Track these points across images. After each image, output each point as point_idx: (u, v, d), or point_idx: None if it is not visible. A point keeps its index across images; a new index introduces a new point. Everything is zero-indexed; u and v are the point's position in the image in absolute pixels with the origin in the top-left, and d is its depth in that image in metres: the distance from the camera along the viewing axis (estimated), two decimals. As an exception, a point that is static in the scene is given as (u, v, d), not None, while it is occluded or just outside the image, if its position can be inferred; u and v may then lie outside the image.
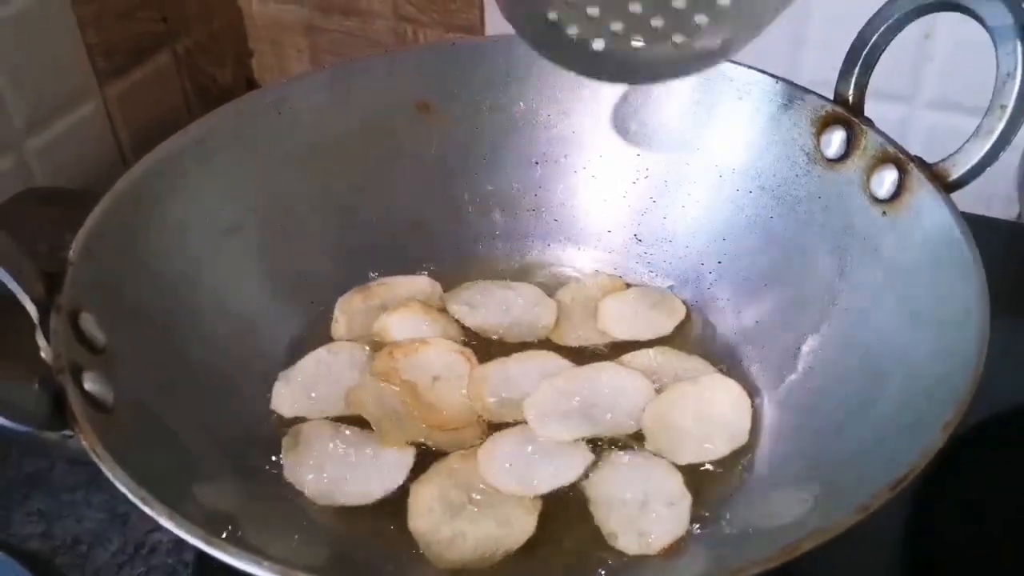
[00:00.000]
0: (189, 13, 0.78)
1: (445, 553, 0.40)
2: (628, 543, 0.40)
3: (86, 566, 0.47)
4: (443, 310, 0.51)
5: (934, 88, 0.64)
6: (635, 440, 0.44)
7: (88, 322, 0.37)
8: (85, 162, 0.71)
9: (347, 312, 0.50)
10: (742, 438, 0.43)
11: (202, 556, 0.46)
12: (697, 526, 0.40)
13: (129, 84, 0.73)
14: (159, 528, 0.48)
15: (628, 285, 0.52)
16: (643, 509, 0.41)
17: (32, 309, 0.36)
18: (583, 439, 0.43)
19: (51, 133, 0.68)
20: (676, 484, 0.42)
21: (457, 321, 0.50)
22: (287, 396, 0.46)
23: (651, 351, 0.48)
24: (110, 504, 0.50)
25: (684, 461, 0.43)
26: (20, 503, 0.50)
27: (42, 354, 0.35)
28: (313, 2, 0.80)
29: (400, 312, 0.49)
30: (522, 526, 0.40)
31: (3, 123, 0.64)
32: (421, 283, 0.52)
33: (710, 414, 0.44)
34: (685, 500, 0.41)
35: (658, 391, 0.46)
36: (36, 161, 0.67)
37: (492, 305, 0.51)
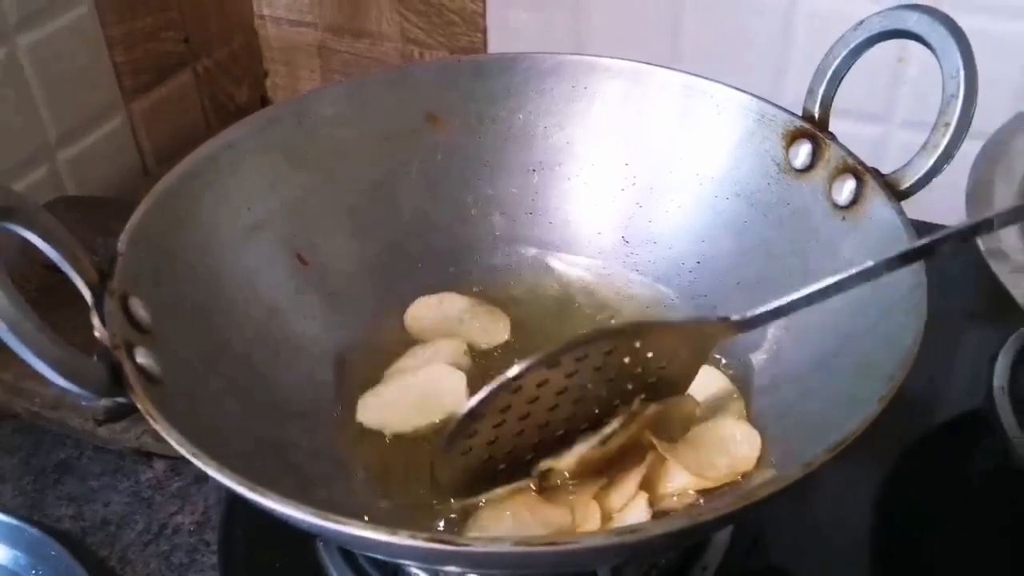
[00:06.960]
0: (209, 35, 0.80)
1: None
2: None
3: (115, 544, 0.50)
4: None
5: (908, 109, 0.67)
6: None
7: (136, 305, 0.39)
8: (111, 173, 0.73)
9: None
10: None
11: (227, 534, 0.48)
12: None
13: (152, 101, 0.76)
14: (181, 511, 0.51)
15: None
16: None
17: (87, 293, 0.37)
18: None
19: (80, 145, 0.70)
20: None
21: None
22: (374, 409, 0.48)
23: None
24: (135, 489, 0.53)
25: None
26: (52, 487, 0.53)
27: (96, 333, 0.36)
28: (325, 25, 0.81)
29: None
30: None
31: (38, 136, 0.66)
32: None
33: None
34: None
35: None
36: (66, 171, 0.69)
37: None
